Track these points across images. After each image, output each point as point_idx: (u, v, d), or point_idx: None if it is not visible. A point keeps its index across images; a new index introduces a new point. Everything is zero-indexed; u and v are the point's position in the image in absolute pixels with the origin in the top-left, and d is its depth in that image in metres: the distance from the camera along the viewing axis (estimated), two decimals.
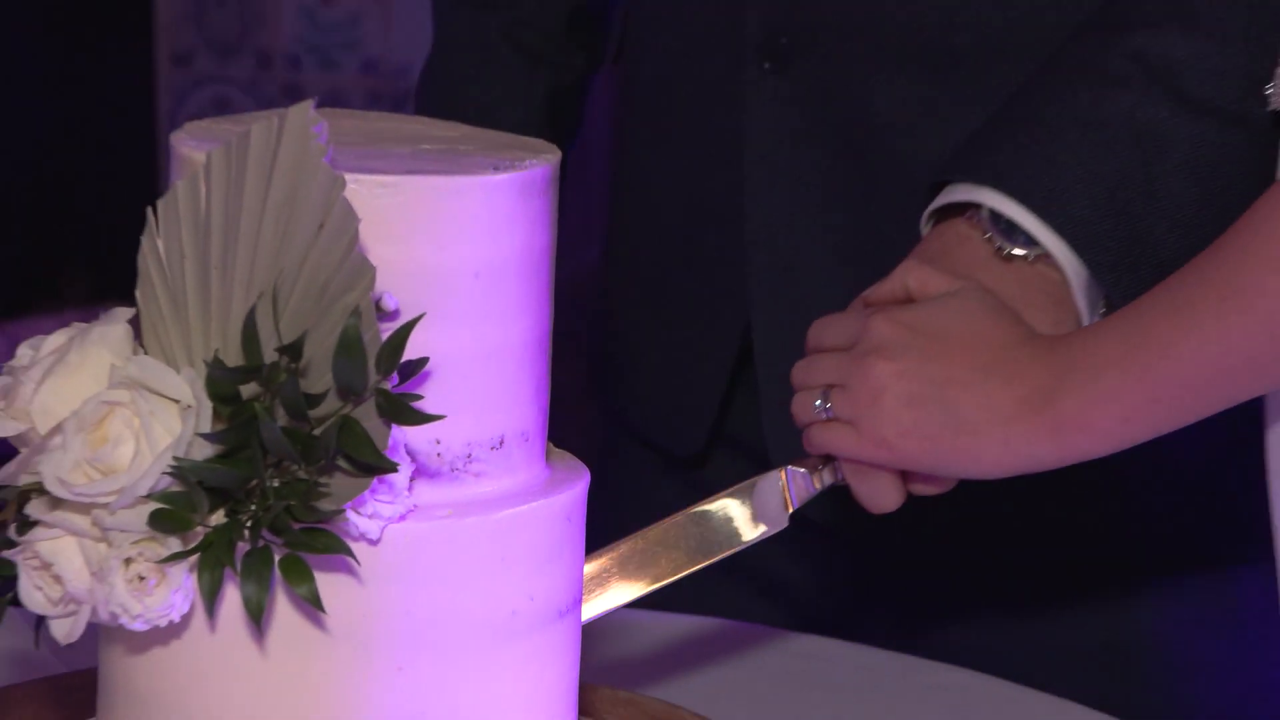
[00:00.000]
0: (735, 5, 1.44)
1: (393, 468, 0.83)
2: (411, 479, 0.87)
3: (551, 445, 1.00)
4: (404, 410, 0.83)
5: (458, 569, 0.89)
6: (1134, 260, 1.13)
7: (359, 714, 0.88)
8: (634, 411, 1.60)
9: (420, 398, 0.84)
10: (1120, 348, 1.06)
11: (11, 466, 0.87)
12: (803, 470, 1.14)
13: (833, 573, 1.52)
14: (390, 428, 0.83)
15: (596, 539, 1.17)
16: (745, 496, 1.16)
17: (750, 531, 1.16)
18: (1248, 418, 1.15)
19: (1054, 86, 1.21)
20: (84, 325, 0.90)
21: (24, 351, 0.89)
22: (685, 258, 1.53)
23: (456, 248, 0.91)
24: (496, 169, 0.91)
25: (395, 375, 0.83)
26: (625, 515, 1.28)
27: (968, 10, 1.35)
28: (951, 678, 1.31)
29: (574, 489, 0.96)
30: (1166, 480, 1.39)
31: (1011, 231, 1.12)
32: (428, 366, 0.85)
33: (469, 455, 0.91)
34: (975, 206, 1.15)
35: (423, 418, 0.84)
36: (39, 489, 0.84)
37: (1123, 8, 1.25)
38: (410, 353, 0.83)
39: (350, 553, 0.83)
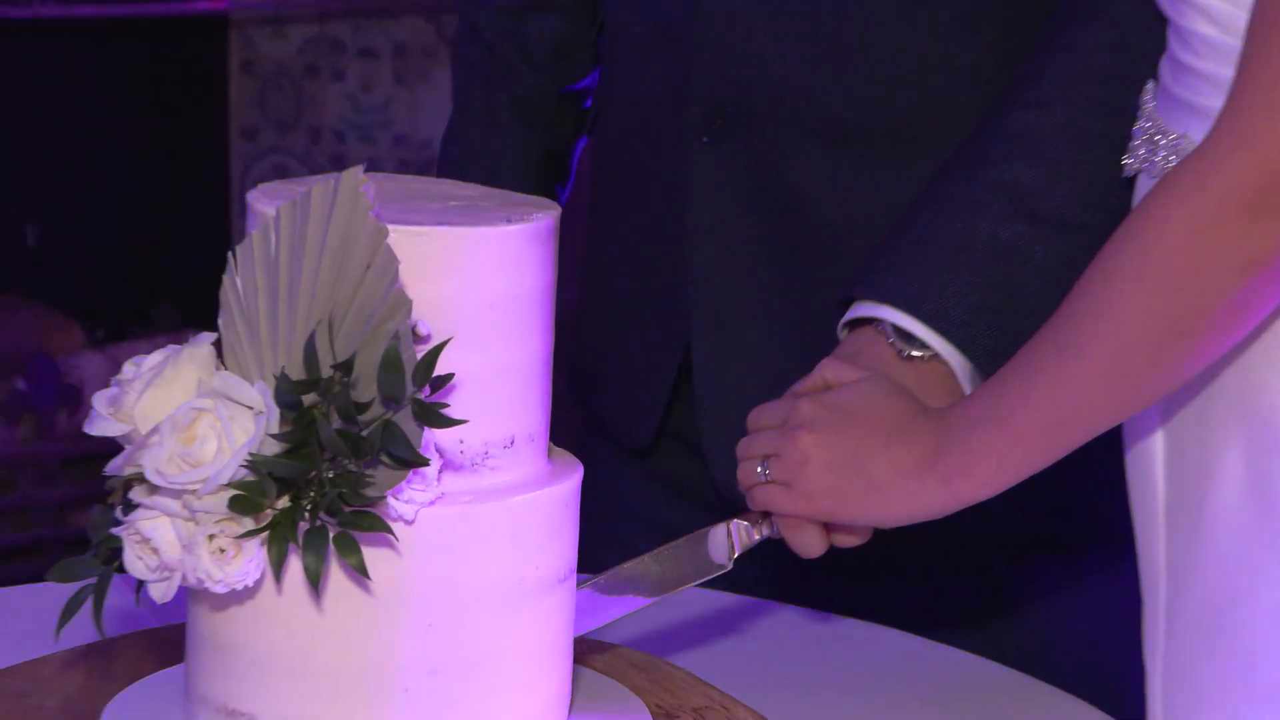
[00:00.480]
0: (681, 91, 1.38)
1: (424, 462, 0.84)
2: (440, 471, 0.87)
3: (552, 444, 1.00)
4: (434, 416, 0.83)
5: (477, 544, 0.90)
6: (1006, 350, 1.11)
7: (396, 661, 0.89)
8: (600, 411, 1.59)
9: (447, 406, 0.84)
10: (987, 407, 1.05)
11: (119, 460, 0.88)
12: (745, 524, 1.13)
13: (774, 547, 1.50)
14: (423, 430, 0.83)
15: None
16: (699, 543, 1.16)
17: (702, 573, 1.16)
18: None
19: (933, 216, 1.23)
20: (176, 347, 0.90)
21: (128, 368, 0.90)
22: (641, 292, 1.49)
23: (477, 285, 0.91)
24: (510, 221, 0.92)
25: (427, 388, 0.84)
26: (590, 495, 1.30)
27: (871, 96, 1.31)
28: (866, 634, 1.24)
29: (570, 480, 0.96)
30: (1039, 478, 1.37)
31: (908, 338, 1.15)
32: (453, 381, 0.86)
33: (486, 452, 0.92)
34: (879, 319, 1.19)
35: (449, 422, 0.84)
36: (140, 478, 0.85)
37: (979, 146, 1.26)
38: (439, 370, 0.84)
39: (390, 530, 0.84)
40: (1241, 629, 1.07)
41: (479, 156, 1.60)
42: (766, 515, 1.11)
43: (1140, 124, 1.09)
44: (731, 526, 1.14)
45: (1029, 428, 1.03)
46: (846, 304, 1.20)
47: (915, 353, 1.13)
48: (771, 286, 1.38)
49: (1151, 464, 1.10)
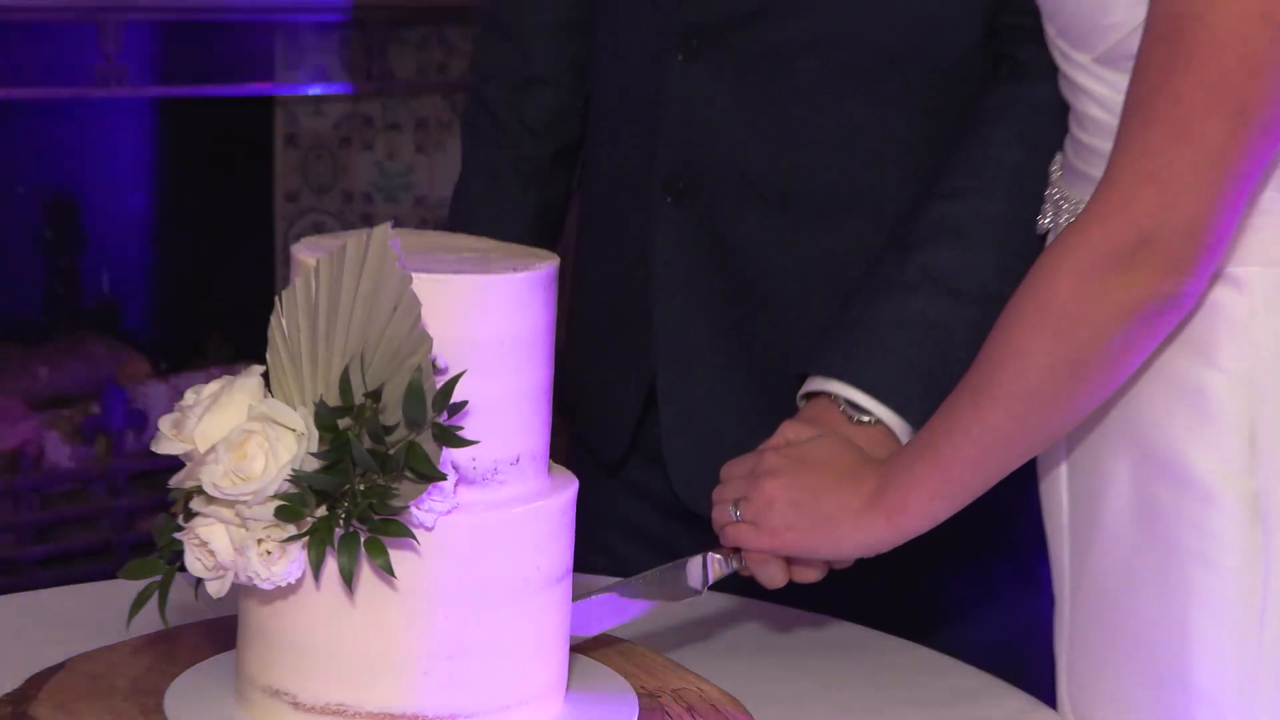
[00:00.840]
0: (649, 158, 1.37)
1: (442, 477, 0.81)
2: (456, 485, 0.84)
3: (551, 460, 0.98)
4: (451, 438, 0.80)
5: (488, 548, 0.88)
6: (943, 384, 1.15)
7: (417, 648, 0.88)
8: (581, 428, 1.58)
9: (462, 428, 0.81)
10: (919, 451, 1.03)
11: (180, 475, 0.87)
12: (719, 557, 1.09)
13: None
14: (441, 450, 0.81)
15: None
16: (679, 570, 1.10)
17: (679, 596, 1.12)
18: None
19: (870, 297, 1.23)
20: (230, 377, 0.88)
21: (189, 396, 0.89)
22: (613, 330, 1.47)
23: (489, 324, 0.86)
24: (516, 270, 0.89)
25: (445, 413, 0.82)
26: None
27: (810, 168, 1.26)
28: (831, 630, 1.23)
29: (568, 492, 0.95)
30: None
31: (856, 406, 1.15)
32: (467, 407, 0.83)
33: (495, 469, 0.89)
34: (830, 392, 1.19)
35: (464, 443, 0.81)
36: (199, 490, 0.82)
37: (908, 233, 1.26)
38: (455, 398, 0.82)
39: (413, 536, 0.82)
40: (1129, 625, 1.06)
41: (484, 211, 1.55)
42: (737, 551, 1.10)
43: (1049, 191, 1.09)
44: (707, 559, 1.13)
45: (954, 466, 1.02)
46: (803, 378, 1.21)
47: (863, 418, 1.14)
48: (723, 326, 1.37)
49: (1059, 487, 1.09)
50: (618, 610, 1.14)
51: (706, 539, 1.20)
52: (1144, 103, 0.96)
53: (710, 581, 1.13)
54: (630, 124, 1.43)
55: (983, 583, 1.37)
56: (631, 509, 1.45)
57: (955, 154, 1.26)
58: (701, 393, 1.36)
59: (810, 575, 1.10)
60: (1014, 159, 1.20)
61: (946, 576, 1.36)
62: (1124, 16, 0.99)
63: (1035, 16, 1.13)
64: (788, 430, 1.11)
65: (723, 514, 1.09)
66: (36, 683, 0.97)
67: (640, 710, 0.98)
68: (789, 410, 1.23)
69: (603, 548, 1.38)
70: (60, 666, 0.99)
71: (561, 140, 1.54)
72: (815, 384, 1.15)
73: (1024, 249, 1.12)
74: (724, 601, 1.27)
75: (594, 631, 1.11)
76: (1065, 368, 0.98)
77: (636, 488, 1.42)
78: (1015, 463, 1.03)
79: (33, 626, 1.15)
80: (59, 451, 3.10)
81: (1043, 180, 1.10)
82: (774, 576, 1.08)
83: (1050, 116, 1.14)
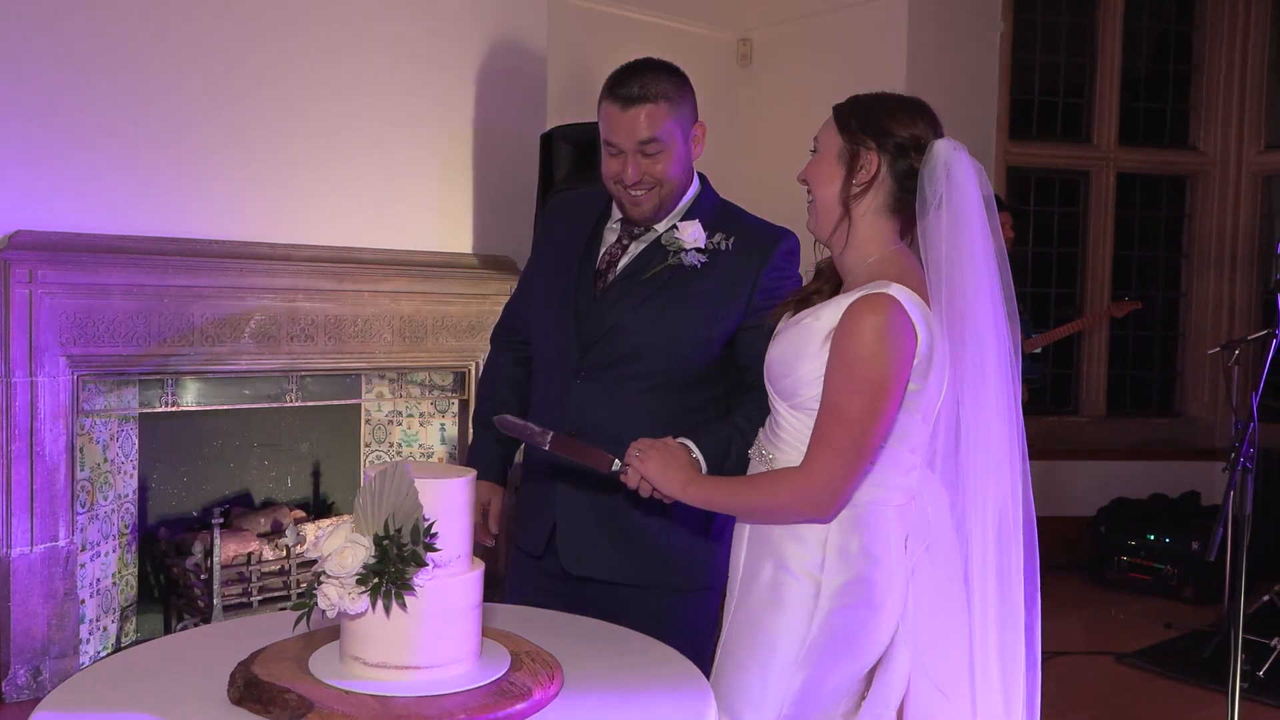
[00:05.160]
0: (566, 349, 1.93)
1: (426, 564, 1.38)
2: (433, 568, 1.39)
3: (475, 557, 1.48)
4: (430, 548, 1.38)
5: (446, 595, 1.40)
6: (716, 470, 1.73)
7: (417, 639, 1.37)
8: (519, 538, 2.06)
9: (436, 548, 1.39)
10: (711, 483, 1.67)
11: (317, 566, 1.40)
12: (621, 464, 1.72)
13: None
14: (425, 553, 1.37)
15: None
16: (601, 455, 1.70)
17: (599, 468, 1.74)
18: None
19: (714, 433, 1.80)
20: (339, 521, 1.45)
21: (320, 531, 1.44)
22: (536, 466, 2.01)
23: (452, 501, 1.44)
24: (458, 477, 1.46)
25: (427, 537, 1.38)
26: (515, 576, 1.90)
27: (664, 364, 1.87)
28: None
29: (480, 569, 1.47)
30: (684, 534, 1.93)
31: (691, 453, 1.72)
32: (436, 531, 1.39)
33: (449, 561, 1.43)
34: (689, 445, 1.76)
35: (434, 549, 1.38)
36: (324, 572, 1.39)
37: (724, 413, 1.85)
38: (435, 531, 1.38)
39: (413, 591, 1.37)
40: (744, 662, 1.60)
41: (494, 375, 2.13)
42: (627, 469, 1.70)
43: (758, 439, 1.70)
44: (616, 461, 1.73)
45: (715, 497, 1.66)
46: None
47: (694, 454, 1.73)
48: (594, 496, 1.92)
49: (739, 553, 1.66)
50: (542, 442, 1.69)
51: (579, 590, 1.81)
52: (820, 429, 1.54)
53: (615, 469, 1.72)
54: (549, 394, 1.95)
55: (695, 603, 1.93)
56: (542, 580, 2.01)
57: (731, 413, 1.83)
58: (591, 514, 1.91)
59: (661, 498, 1.70)
60: (749, 422, 1.79)
61: (678, 599, 1.91)
62: (806, 394, 1.58)
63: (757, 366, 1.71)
64: (670, 440, 1.71)
65: (630, 454, 1.70)
66: (253, 657, 1.48)
67: (510, 660, 1.49)
68: (632, 519, 1.82)
69: (527, 600, 1.91)
70: (265, 648, 1.52)
71: (528, 349, 2.07)
72: (681, 440, 1.77)
73: (750, 439, 1.70)
74: (552, 615, 1.77)
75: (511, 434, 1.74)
76: (761, 517, 1.59)
77: (546, 569, 1.98)
78: (734, 514, 1.62)
79: (253, 633, 1.63)
80: (270, 555, 3.95)
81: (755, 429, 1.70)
82: (639, 487, 1.69)
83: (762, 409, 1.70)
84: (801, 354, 1.55)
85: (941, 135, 1.59)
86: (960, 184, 1.52)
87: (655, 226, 1.93)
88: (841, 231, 1.61)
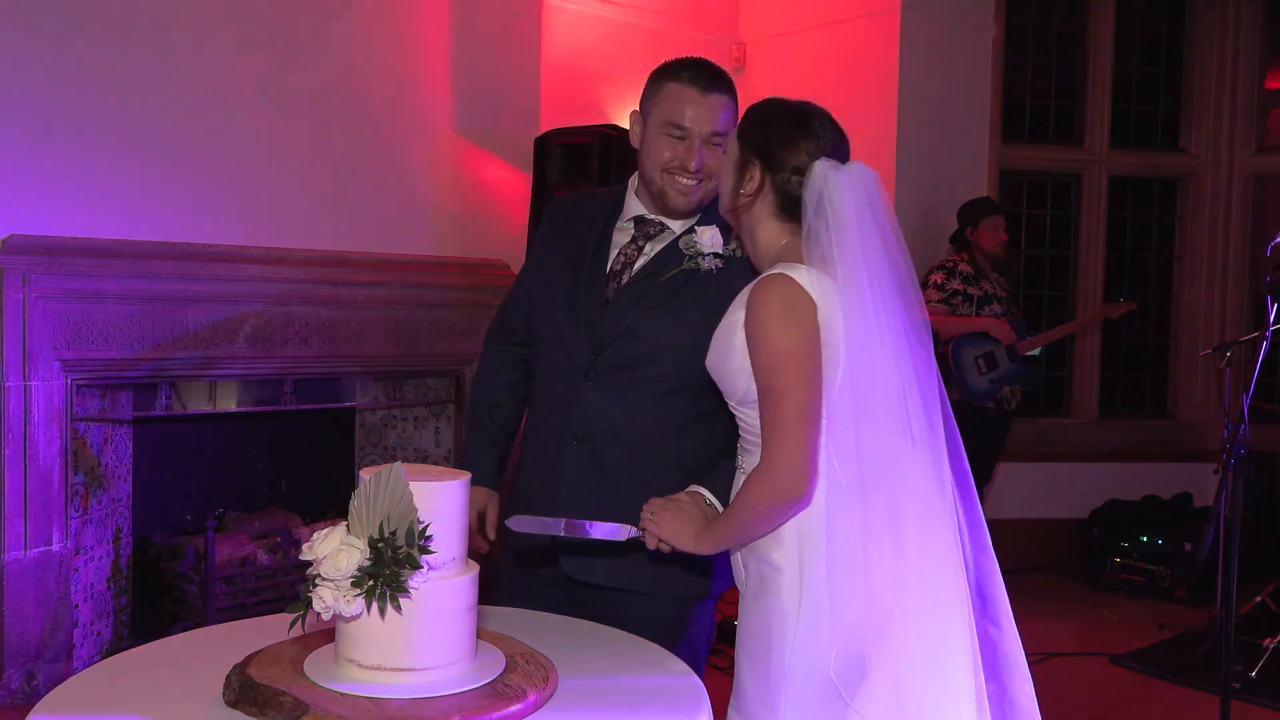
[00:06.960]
0: (576, 351, 1.88)
1: (420, 567, 1.36)
2: (428, 570, 1.37)
3: (469, 560, 1.48)
4: (425, 550, 1.37)
5: (443, 596, 1.39)
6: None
7: (412, 639, 1.36)
8: (510, 540, 2.00)
9: (431, 550, 1.38)
10: (717, 526, 1.64)
11: (311, 569, 1.38)
12: (634, 529, 1.69)
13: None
14: (420, 555, 1.36)
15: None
16: (617, 528, 1.67)
17: (612, 537, 1.70)
18: None
19: (720, 471, 1.75)
20: (335, 524, 1.43)
21: (316, 535, 1.41)
22: (536, 472, 1.96)
23: (446, 503, 1.43)
24: (452, 479, 1.45)
25: (422, 540, 1.37)
26: (513, 581, 1.89)
27: (671, 371, 1.82)
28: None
29: (474, 571, 1.45)
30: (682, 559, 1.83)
31: (707, 499, 1.69)
32: (431, 534, 1.38)
33: (444, 563, 1.42)
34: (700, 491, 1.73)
35: (429, 551, 1.37)
36: (320, 574, 1.38)
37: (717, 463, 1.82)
38: (430, 533, 1.36)
39: (408, 593, 1.35)
40: (757, 629, 1.62)
41: (490, 377, 2.08)
42: (643, 532, 1.69)
43: (738, 457, 1.71)
44: (631, 529, 1.70)
45: (724, 541, 1.63)
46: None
47: (709, 501, 1.70)
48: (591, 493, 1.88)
49: (736, 557, 1.68)
50: (561, 529, 1.68)
51: (579, 597, 1.80)
52: (763, 418, 1.55)
53: (631, 535, 1.70)
54: (556, 397, 1.90)
55: (698, 612, 1.92)
56: (543, 586, 1.98)
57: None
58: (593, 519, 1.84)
59: (667, 548, 1.67)
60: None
61: (682, 607, 1.89)
62: (744, 389, 1.60)
63: None
64: (682, 496, 1.70)
65: (644, 516, 1.69)
66: (248, 659, 1.47)
67: (505, 662, 1.49)
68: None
69: (528, 603, 1.89)
70: (259, 651, 1.51)
71: (526, 351, 2.01)
72: (693, 489, 1.74)
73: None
74: (535, 616, 1.77)
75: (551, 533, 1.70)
76: (761, 525, 1.58)
77: (545, 576, 1.95)
78: (746, 540, 1.62)
79: (248, 636, 1.63)
80: (264, 559, 3.96)
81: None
82: (656, 546, 1.67)
83: None
84: (728, 352, 1.59)
85: (830, 150, 1.63)
86: (839, 205, 1.55)
87: (672, 227, 1.92)
88: (745, 230, 1.67)
